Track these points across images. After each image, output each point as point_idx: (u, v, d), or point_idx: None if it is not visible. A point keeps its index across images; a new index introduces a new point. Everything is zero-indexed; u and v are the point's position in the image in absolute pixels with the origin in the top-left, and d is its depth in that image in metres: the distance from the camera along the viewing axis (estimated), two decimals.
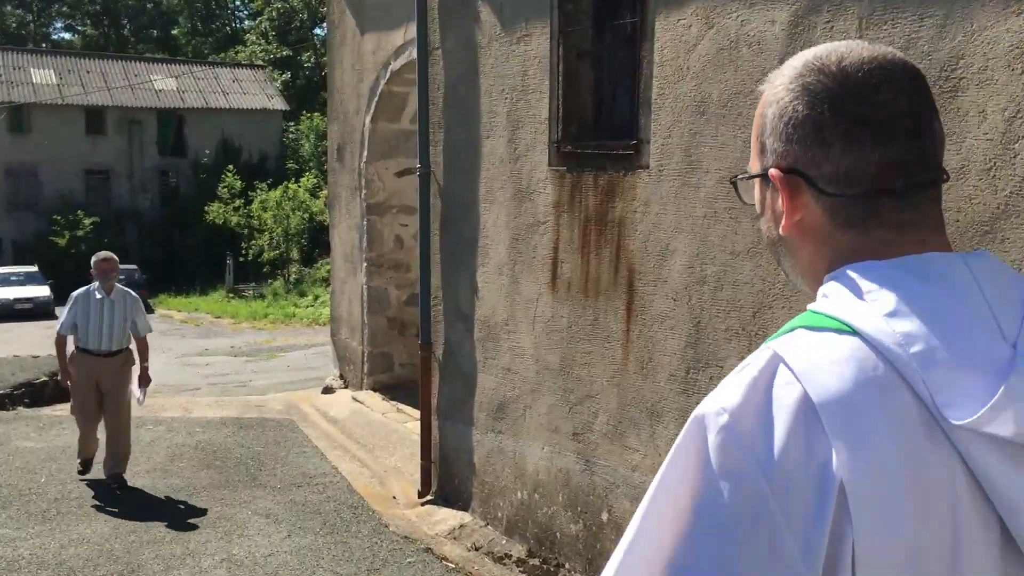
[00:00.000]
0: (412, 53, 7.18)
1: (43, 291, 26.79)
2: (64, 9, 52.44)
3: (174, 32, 52.93)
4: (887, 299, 0.82)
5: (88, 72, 36.16)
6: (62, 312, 6.67)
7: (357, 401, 9.45)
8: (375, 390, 9.56)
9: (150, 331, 6.92)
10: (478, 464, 5.91)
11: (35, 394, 9.88)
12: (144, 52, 46.95)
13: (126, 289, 6.79)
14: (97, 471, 6.84)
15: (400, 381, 9.60)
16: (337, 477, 7.08)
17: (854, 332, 0.81)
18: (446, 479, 6.29)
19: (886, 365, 0.79)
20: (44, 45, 44.68)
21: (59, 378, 7.06)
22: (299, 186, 29.60)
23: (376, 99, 9.10)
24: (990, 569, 0.78)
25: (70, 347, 6.69)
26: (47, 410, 9.44)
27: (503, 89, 5.49)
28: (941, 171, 0.91)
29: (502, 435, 5.65)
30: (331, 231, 10.75)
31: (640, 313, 4.57)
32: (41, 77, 34.60)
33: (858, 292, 0.84)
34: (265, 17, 46.97)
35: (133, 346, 6.79)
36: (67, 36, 53.13)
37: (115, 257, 6.79)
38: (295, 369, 15.88)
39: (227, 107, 37.19)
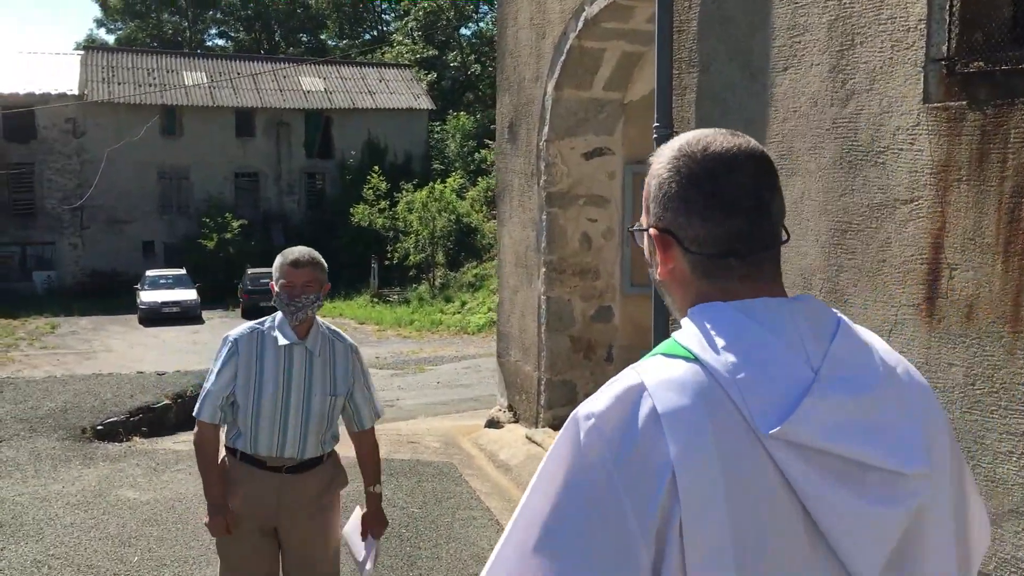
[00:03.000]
0: None
1: (190, 295, 26.34)
2: (218, 16, 53.40)
3: (322, 36, 53.06)
4: (723, 334, 1.08)
5: (238, 74, 36.05)
6: (209, 372, 3.32)
7: (532, 442, 7.48)
8: (554, 427, 7.56)
9: (379, 416, 3.50)
10: None
11: (155, 421, 8.38)
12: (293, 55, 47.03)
13: (333, 329, 3.40)
14: None
15: None
16: None
17: (696, 360, 1.07)
18: None
19: (717, 387, 1.04)
20: (198, 51, 45.32)
21: (207, 503, 3.34)
22: (445, 186, 28.20)
23: (563, 59, 7.11)
24: (798, 551, 1.02)
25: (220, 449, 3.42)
26: (167, 441, 7.90)
27: None
28: (779, 237, 1.18)
29: None
30: (499, 229, 8.80)
31: None
32: (193, 80, 34.64)
33: (703, 327, 1.11)
34: (411, 17, 46.21)
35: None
36: (220, 43, 54.13)
37: (316, 260, 3.28)
38: (446, 386, 14.17)
39: (373, 107, 36.35)
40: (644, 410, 1.03)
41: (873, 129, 3.20)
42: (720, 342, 1.07)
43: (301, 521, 3.28)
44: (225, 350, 3.26)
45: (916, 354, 3.05)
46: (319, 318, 3.33)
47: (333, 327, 3.42)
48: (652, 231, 1.20)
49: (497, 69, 8.67)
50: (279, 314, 3.28)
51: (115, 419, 7.99)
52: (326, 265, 3.30)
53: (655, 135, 4.22)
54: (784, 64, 3.57)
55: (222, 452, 3.36)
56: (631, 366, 1.10)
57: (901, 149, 3.09)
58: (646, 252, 1.26)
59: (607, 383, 1.10)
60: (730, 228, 1.14)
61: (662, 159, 1.20)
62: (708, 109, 3.99)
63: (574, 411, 1.07)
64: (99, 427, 7.85)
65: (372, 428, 3.45)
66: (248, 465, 3.26)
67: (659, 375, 1.06)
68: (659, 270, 1.21)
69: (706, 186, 1.14)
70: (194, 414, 3.27)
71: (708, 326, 1.10)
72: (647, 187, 1.21)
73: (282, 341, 3.23)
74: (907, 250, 3.07)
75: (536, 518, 1.05)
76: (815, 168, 3.44)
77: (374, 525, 3.47)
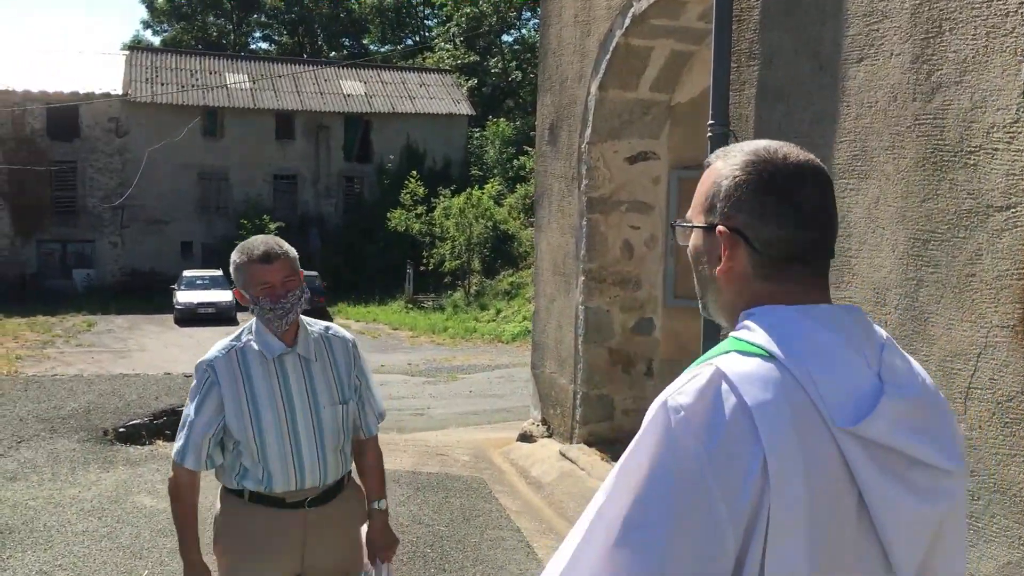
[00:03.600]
0: None
1: (226, 296, 26.31)
2: (262, 19, 53.75)
3: (364, 41, 53.20)
4: (794, 334, 1.15)
5: (279, 77, 36.13)
6: (185, 411, 2.75)
7: (566, 458, 7.13)
8: (589, 444, 7.22)
9: (383, 418, 3.04)
10: None
11: (179, 424, 8.14)
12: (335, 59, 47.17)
13: (326, 325, 2.96)
14: None
15: (622, 434, 7.17)
16: None
17: (772, 357, 1.13)
18: None
19: (794, 382, 1.11)
20: (241, 53, 45.63)
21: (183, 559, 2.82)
22: (483, 193, 27.93)
23: (608, 57, 6.78)
24: (849, 537, 1.10)
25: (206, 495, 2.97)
26: None
27: None
28: (833, 251, 1.26)
29: None
30: (536, 235, 8.47)
31: None
32: (235, 81, 34.78)
33: (772, 327, 1.16)
34: (454, 23, 46.14)
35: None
36: (264, 46, 54.48)
37: (286, 250, 2.74)
38: (478, 396, 13.86)
39: (413, 112, 36.23)
40: (731, 403, 1.09)
41: (963, 126, 2.83)
42: (793, 342, 1.14)
43: (330, 563, 2.80)
44: (201, 381, 2.66)
45: (1010, 382, 2.67)
46: (303, 316, 2.83)
47: (322, 322, 2.96)
48: (720, 228, 1.23)
49: (539, 69, 8.35)
50: (254, 322, 2.73)
51: (138, 421, 7.77)
52: (295, 255, 2.76)
53: (709, 133, 3.87)
54: (859, 55, 3.22)
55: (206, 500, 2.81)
56: (707, 362, 1.15)
57: (996, 149, 2.72)
58: (693, 248, 1.31)
59: (687, 378, 1.14)
60: (804, 237, 1.21)
61: (734, 160, 1.25)
62: (770, 106, 3.64)
63: (659, 406, 1.11)
64: (121, 429, 7.63)
65: (376, 436, 2.98)
66: (263, 507, 2.70)
67: (741, 370, 1.12)
68: (719, 267, 1.25)
69: (785, 194, 1.21)
70: (173, 457, 2.70)
71: (778, 327, 1.16)
72: (711, 188, 1.26)
73: (269, 353, 2.69)
74: (1001, 263, 2.70)
75: (620, 512, 1.08)
76: (893, 170, 3.08)
77: (383, 547, 2.92)
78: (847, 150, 3.25)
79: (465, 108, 37.55)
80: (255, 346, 2.70)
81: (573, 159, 7.40)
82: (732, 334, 1.20)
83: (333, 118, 35.64)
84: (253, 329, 2.73)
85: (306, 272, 24.19)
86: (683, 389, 1.12)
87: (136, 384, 9.57)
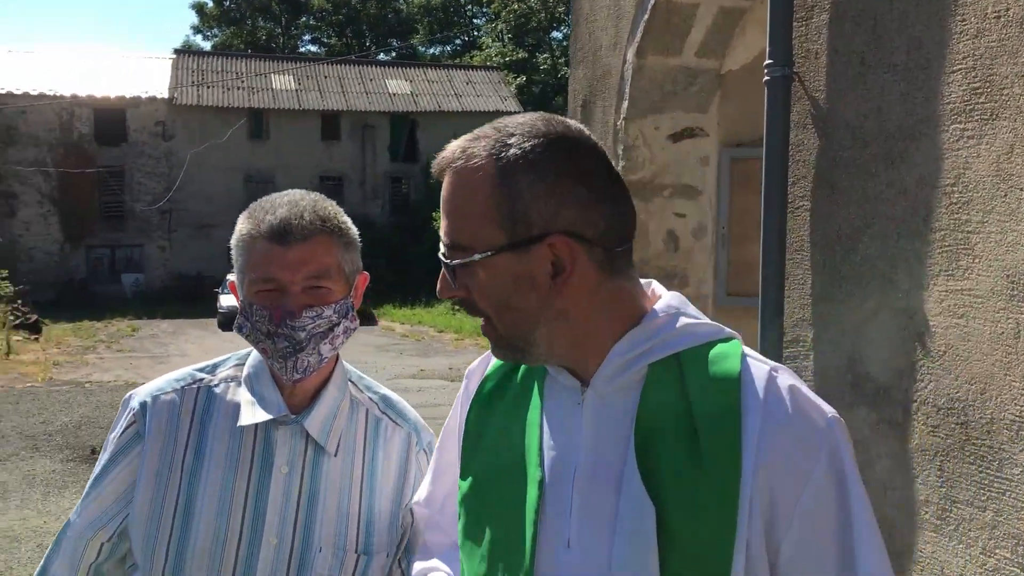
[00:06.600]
0: None
1: None
2: (310, 22, 53.69)
3: (413, 41, 52.84)
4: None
5: (325, 77, 35.78)
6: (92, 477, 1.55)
7: None
8: None
9: None
10: None
11: None
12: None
13: (385, 395, 1.66)
14: None
15: None
16: None
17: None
18: None
19: None
20: (287, 54, 45.54)
21: None
22: None
23: (646, 18, 5.84)
24: None
25: None
26: None
27: None
28: None
29: None
30: None
31: None
32: (280, 83, 34.48)
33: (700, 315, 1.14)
34: (502, 20, 45.42)
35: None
36: (313, 48, 54.39)
37: (328, 226, 1.51)
38: None
39: (460, 110, 35.54)
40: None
41: None
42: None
43: None
44: (121, 430, 1.52)
45: None
46: (345, 363, 1.61)
47: (379, 386, 1.67)
48: (554, 239, 1.07)
49: (570, 40, 7.45)
50: (250, 352, 1.57)
51: None
52: (354, 230, 1.61)
53: (767, 78, 2.93)
54: None
55: None
56: (767, 365, 1.10)
57: None
58: (496, 281, 1.09)
59: (808, 394, 1.08)
60: (627, 209, 1.13)
61: (515, 152, 1.09)
62: (849, 33, 2.69)
63: (829, 414, 1.07)
64: None
65: None
66: None
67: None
68: (561, 291, 1.09)
69: (596, 168, 1.10)
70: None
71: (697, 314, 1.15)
72: (498, 190, 1.08)
73: (251, 416, 1.48)
74: None
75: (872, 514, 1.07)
76: None
77: None
78: (962, 82, 2.30)
79: (512, 105, 36.76)
80: (234, 398, 1.51)
81: (608, 138, 6.48)
82: (725, 341, 1.12)
83: (379, 118, 35.16)
84: (248, 366, 1.56)
85: None
86: (822, 404, 1.07)
87: None
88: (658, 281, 4.20)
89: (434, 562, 1.35)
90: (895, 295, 2.50)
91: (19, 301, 23.31)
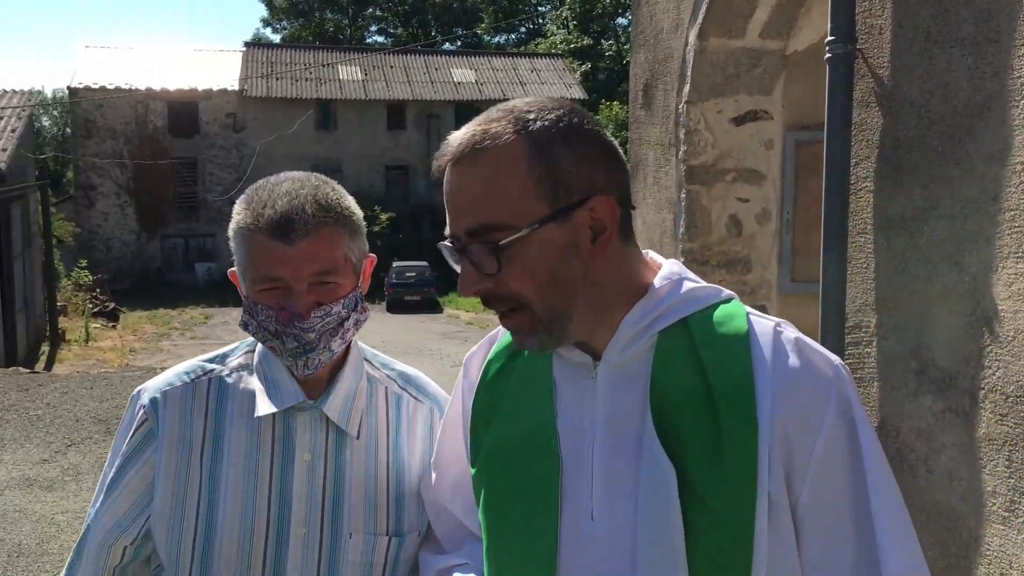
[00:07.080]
0: None
1: None
2: (377, 13, 54.17)
3: (477, 30, 52.92)
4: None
5: (391, 67, 36.08)
6: (102, 478, 1.49)
7: None
8: None
9: None
10: None
11: None
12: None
13: (403, 371, 1.60)
14: None
15: None
16: None
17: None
18: None
19: None
20: (353, 44, 46.03)
21: None
22: None
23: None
24: None
25: None
26: None
27: None
28: None
29: None
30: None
31: None
32: (347, 74, 34.88)
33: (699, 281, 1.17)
34: (567, 6, 45.16)
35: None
36: (380, 39, 54.86)
37: (331, 215, 1.40)
38: None
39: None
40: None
41: None
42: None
43: None
44: (129, 428, 1.47)
45: None
46: (363, 345, 1.56)
47: (396, 362, 1.61)
48: (595, 201, 1.11)
49: (632, 24, 7.35)
50: (254, 342, 1.52)
51: None
52: (359, 212, 1.48)
53: (828, 54, 2.84)
54: None
55: None
56: (771, 320, 1.14)
57: None
58: (544, 254, 1.10)
59: (799, 339, 1.11)
60: (628, 175, 1.17)
61: (541, 124, 1.12)
62: (914, 6, 2.59)
63: (838, 366, 1.10)
64: None
65: None
66: None
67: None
68: (596, 254, 1.12)
69: (601, 134, 1.14)
70: None
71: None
72: (530, 164, 1.09)
73: (267, 405, 1.43)
74: None
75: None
76: None
77: None
78: None
79: (577, 92, 36.59)
80: (248, 386, 1.47)
81: (670, 123, 6.38)
82: (727, 301, 1.17)
83: (444, 107, 35.32)
84: (257, 354, 1.51)
85: (415, 262, 23.91)
86: (827, 353, 1.10)
87: None
88: (722, 267, 4.12)
89: (449, 557, 1.36)
90: (962, 278, 2.40)
91: (98, 290, 24.09)
